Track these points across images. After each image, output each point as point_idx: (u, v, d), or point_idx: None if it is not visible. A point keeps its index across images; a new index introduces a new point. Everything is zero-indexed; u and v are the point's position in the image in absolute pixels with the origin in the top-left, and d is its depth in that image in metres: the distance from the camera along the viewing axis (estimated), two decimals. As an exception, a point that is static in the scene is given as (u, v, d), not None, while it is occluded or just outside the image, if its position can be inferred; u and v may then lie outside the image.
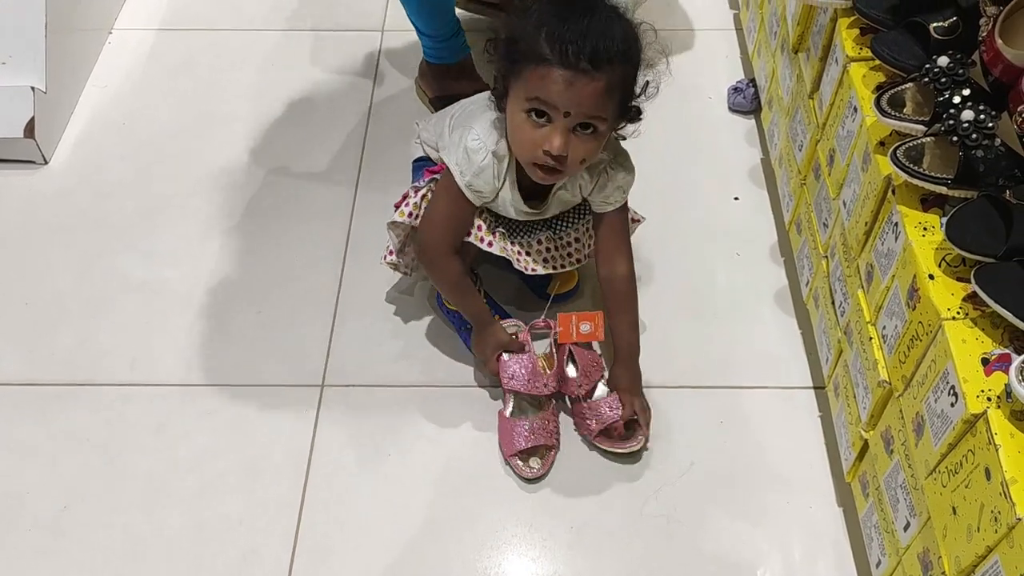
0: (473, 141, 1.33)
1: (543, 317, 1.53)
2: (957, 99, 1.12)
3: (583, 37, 1.19)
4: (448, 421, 1.50)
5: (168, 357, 1.58)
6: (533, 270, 1.47)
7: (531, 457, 1.43)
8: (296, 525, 1.38)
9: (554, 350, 1.47)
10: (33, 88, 1.84)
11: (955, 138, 1.08)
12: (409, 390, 1.54)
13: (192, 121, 1.97)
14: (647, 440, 1.44)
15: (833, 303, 1.39)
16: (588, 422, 1.44)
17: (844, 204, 1.34)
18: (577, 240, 1.50)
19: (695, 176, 1.87)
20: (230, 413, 1.51)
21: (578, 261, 1.52)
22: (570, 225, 1.49)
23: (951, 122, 1.09)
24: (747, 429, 1.48)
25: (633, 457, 1.44)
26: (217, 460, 1.46)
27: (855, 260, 1.29)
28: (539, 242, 1.47)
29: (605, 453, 1.45)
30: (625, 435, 1.44)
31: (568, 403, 1.50)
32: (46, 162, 1.88)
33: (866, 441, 1.24)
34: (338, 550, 1.36)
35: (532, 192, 1.39)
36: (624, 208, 1.46)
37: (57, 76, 1.90)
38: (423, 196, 1.43)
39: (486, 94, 1.38)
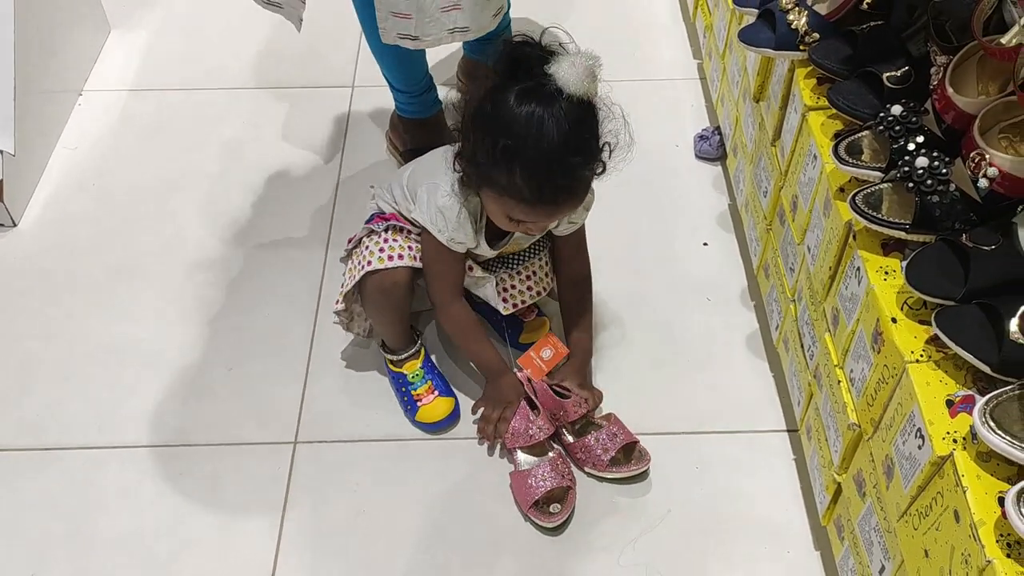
0: (443, 199, 1.35)
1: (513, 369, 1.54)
2: (912, 146, 1.14)
3: (556, 174, 1.23)
4: (425, 475, 1.49)
5: (137, 419, 1.57)
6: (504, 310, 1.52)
7: (551, 503, 1.42)
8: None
9: (534, 398, 1.48)
10: (1, 151, 1.84)
11: (911, 184, 1.10)
12: (385, 444, 1.53)
13: (162, 182, 1.97)
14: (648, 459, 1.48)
15: (802, 346, 1.41)
16: (596, 453, 1.46)
17: (808, 249, 1.36)
18: (534, 274, 1.54)
19: (665, 223, 1.89)
20: (201, 474, 1.50)
21: (537, 294, 1.55)
22: (527, 260, 1.53)
23: (906, 169, 1.12)
24: (723, 474, 1.49)
25: (643, 476, 1.47)
26: (188, 524, 1.44)
27: (821, 304, 1.31)
28: (500, 280, 1.50)
29: (615, 482, 1.46)
30: (630, 458, 1.47)
31: (564, 448, 1.50)
32: (15, 224, 1.88)
33: (839, 484, 1.24)
34: (313, 613, 1.34)
35: (496, 234, 1.43)
36: (583, 225, 1.52)
37: (26, 138, 1.91)
38: (376, 243, 1.45)
39: (442, 149, 1.41)
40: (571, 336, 1.55)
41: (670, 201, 1.93)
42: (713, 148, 1.98)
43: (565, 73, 1.19)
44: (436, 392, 1.55)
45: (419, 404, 1.54)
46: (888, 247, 1.17)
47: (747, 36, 1.44)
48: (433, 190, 1.36)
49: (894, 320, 1.08)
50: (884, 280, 1.13)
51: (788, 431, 1.54)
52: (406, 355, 1.56)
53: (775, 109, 1.52)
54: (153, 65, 2.25)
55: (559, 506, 1.42)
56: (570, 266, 1.55)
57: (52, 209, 1.92)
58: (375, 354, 1.64)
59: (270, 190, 1.95)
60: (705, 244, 1.84)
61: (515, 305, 1.52)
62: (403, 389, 1.56)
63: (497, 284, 1.50)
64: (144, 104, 2.16)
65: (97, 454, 1.52)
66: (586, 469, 1.48)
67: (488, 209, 1.34)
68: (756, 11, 1.51)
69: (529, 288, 1.54)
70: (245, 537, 1.42)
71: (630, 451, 1.48)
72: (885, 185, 1.16)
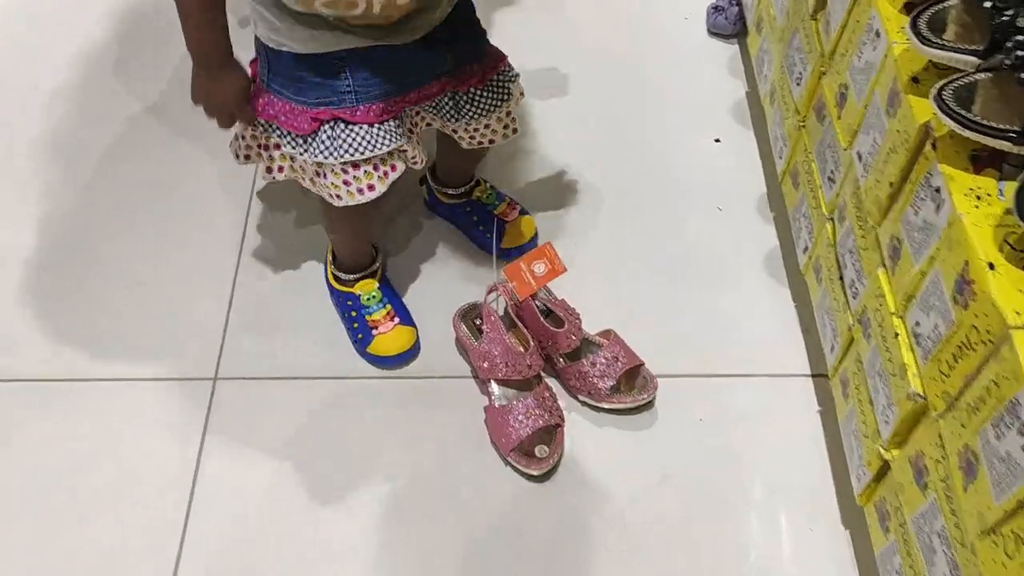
0: None
1: (496, 280, 1.25)
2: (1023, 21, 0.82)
3: None
4: (374, 420, 1.22)
5: (25, 346, 1.28)
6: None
7: (537, 445, 1.17)
8: (177, 556, 1.11)
9: (517, 319, 1.21)
10: None
11: (1023, 75, 0.79)
12: (319, 383, 1.26)
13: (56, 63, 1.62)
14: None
15: (841, 279, 1.12)
16: (592, 380, 1.21)
17: (859, 157, 1.05)
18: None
19: (668, 113, 1.57)
20: (102, 414, 1.22)
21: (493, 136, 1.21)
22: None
23: (1019, 53, 0.80)
24: (731, 428, 1.22)
25: (649, 406, 1.23)
26: (87, 474, 1.17)
27: (874, 230, 1.01)
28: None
29: (614, 413, 1.22)
30: (632, 384, 1.23)
31: (554, 373, 1.25)
32: None
33: (887, 462, 0.98)
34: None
35: None
36: None
37: None
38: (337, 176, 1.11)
39: None
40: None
41: (676, 86, 1.61)
42: (730, 22, 1.63)
43: None
44: (396, 319, 1.26)
45: (374, 333, 1.25)
46: (979, 161, 0.86)
47: None
48: None
49: (991, 266, 0.79)
50: (976, 207, 0.83)
51: (813, 376, 1.27)
52: (366, 272, 1.28)
53: (819, -31, 1.18)
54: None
55: (546, 449, 1.17)
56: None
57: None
58: (314, 271, 1.35)
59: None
60: (717, 140, 1.52)
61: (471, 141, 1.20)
62: (352, 314, 1.27)
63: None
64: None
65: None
66: (580, 397, 1.23)
67: None
68: None
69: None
70: (153, 493, 1.16)
71: (633, 376, 1.23)
72: (982, 76, 0.85)
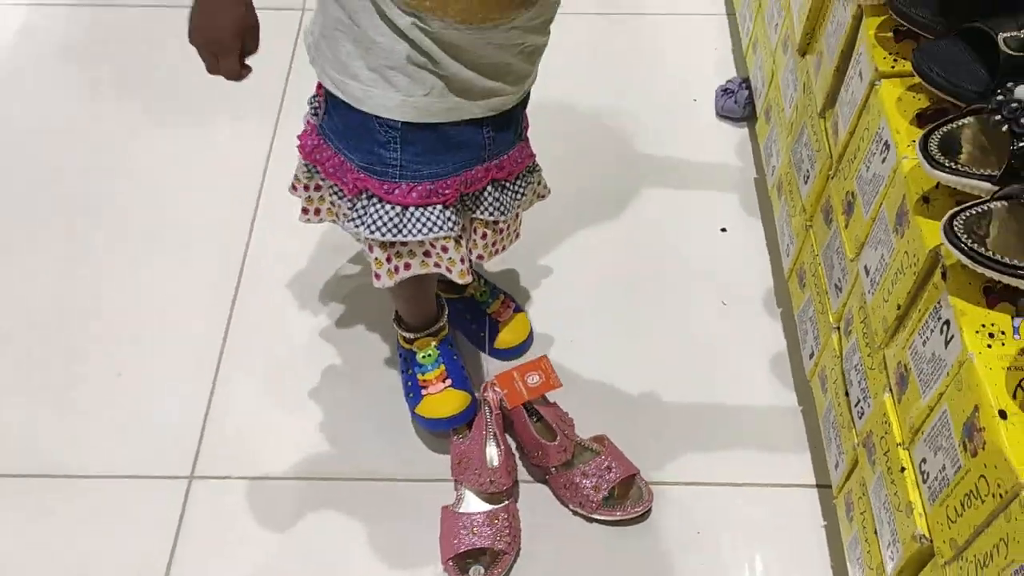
0: None
1: (489, 381, 1.20)
2: (1042, 148, 0.78)
3: None
4: (348, 523, 1.17)
5: (-5, 436, 1.24)
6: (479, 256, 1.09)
7: (473, 565, 1.12)
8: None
9: (498, 431, 1.17)
10: None
11: (1043, 210, 0.74)
12: (299, 484, 1.20)
13: (67, 118, 1.60)
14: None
15: (847, 395, 1.06)
16: (585, 491, 1.15)
17: (866, 271, 1.00)
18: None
19: (675, 199, 1.52)
20: (68, 512, 1.17)
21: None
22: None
23: (1036, 185, 0.75)
24: (731, 541, 1.16)
25: (644, 517, 1.16)
26: (58, 569, 1.12)
27: (880, 351, 0.96)
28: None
29: (606, 524, 1.16)
30: (627, 495, 1.17)
31: (545, 481, 1.20)
32: None
33: (892, 602, 0.91)
34: None
35: None
36: None
37: None
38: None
39: None
40: None
41: (683, 170, 1.56)
42: (739, 106, 1.59)
43: None
44: (448, 381, 1.20)
45: (423, 392, 1.20)
46: (994, 294, 0.81)
47: (801, -31, 1.05)
48: None
49: (1003, 414, 0.73)
50: (988, 347, 0.78)
51: (818, 486, 1.20)
52: (425, 332, 1.21)
53: (829, 69, 1.14)
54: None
55: (481, 570, 1.11)
56: None
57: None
58: (301, 360, 1.30)
59: (195, 129, 1.58)
60: (723, 230, 1.48)
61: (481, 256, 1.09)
62: (409, 371, 1.23)
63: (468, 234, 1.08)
64: (49, 22, 1.77)
65: (-64, 482, 1.20)
66: (571, 507, 1.17)
67: None
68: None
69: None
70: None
71: (627, 486, 1.18)
72: (998, 205, 0.80)
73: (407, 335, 1.22)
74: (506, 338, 1.29)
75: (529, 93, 1.03)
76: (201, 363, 1.31)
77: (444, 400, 1.19)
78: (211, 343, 1.33)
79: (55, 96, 1.65)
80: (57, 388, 1.29)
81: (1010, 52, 0.85)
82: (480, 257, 1.08)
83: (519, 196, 1.08)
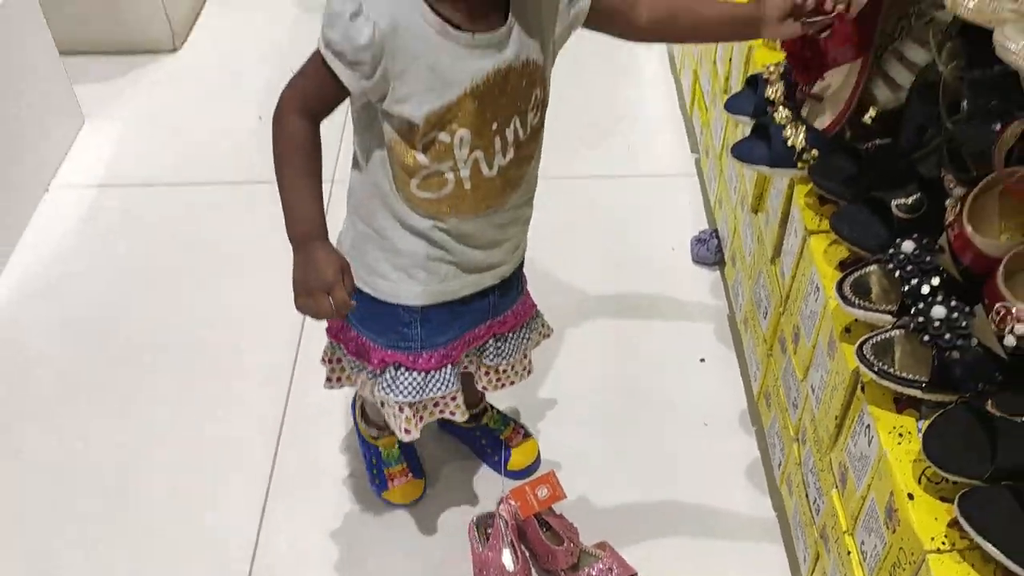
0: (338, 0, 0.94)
1: (504, 495, 1.40)
2: (926, 288, 1.01)
3: None
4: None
5: (71, 551, 1.42)
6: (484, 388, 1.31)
7: None
8: None
9: (514, 539, 1.35)
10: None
11: (927, 337, 0.96)
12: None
13: (125, 287, 1.85)
14: None
15: (807, 496, 1.25)
16: None
17: (812, 389, 1.22)
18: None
19: (659, 334, 1.75)
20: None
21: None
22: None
23: (921, 319, 0.98)
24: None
25: None
26: None
27: (827, 454, 1.16)
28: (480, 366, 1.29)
29: None
30: None
31: None
32: (-37, 331, 1.76)
33: (852, 670, 1.08)
34: None
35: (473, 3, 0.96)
36: None
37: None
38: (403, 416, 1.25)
39: None
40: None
41: (665, 309, 1.80)
42: (711, 253, 1.85)
43: None
44: (409, 475, 1.47)
45: (390, 484, 1.46)
46: (902, 403, 1.03)
47: (741, 152, 1.32)
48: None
49: (910, 496, 0.93)
50: (898, 444, 0.99)
51: (794, 583, 1.38)
52: (389, 432, 1.42)
53: (774, 225, 1.39)
54: (123, 159, 2.15)
55: None
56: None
57: (6, 312, 1.80)
58: (351, 487, 1.50)
59: (233, 287, 1.83)
60: (702, 360, 1.70)
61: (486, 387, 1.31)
62: (374, 461, 1.47)
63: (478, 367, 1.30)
64: (112, 201, 2.05)
65: None
66: None
67: None
68: (749, 119, 1.39)
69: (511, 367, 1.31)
70: None
71: None
72: (897, 333, 1.02)
73: (370, 431, 1.45)
74: (518, 460, 1.49)
75: (524, 255, 1.27)
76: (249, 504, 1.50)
77: (407, 489, 1.46)
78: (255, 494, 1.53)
79: (116, 265, 1.91)
80: (114, 515, 1.48)
81: (901, 215, 1.10)
82: (485, 389, 1.31)
83: (523, 342, 1.30)
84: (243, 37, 2.53)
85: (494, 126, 1.02)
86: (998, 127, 0.96)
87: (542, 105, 1.07)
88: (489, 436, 1.50)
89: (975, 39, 0.91)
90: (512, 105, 1.02)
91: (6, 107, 1.91)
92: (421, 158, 1.02)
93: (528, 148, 1.08)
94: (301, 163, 1.02)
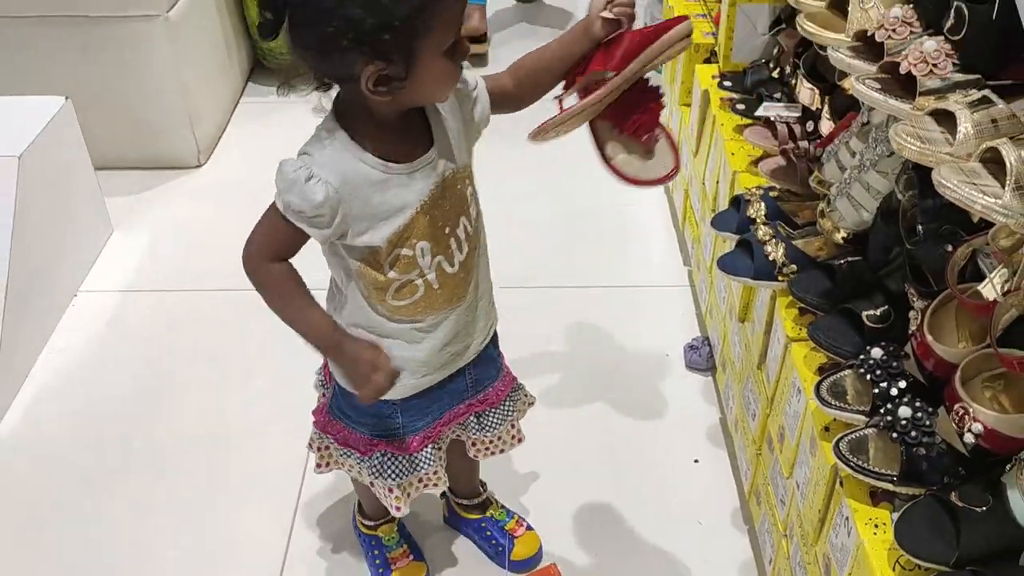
0: (290, 168, 1.09)
1: None
2: (894, 391, 1.12)
3: None
4: None
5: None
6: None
7: None
8: None
9: None
10: (-16, 357, 1.83)
11: (895, 434, 1.06)
12: None
13: (147, 389, 1.95)
14: None
15: (796, 589, 1.33)
16: None
17: (798, 485, 1.31)
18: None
19: (654, 437, 1.84)
20: None
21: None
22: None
23: (889, 418, 1.08)
24: None
25: None
26: None
27: (813, 547, 1.24)
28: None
29: None
30: None
31: None
32: (-8, 431, 1.85)
33: None
34: None
35: (403, 138, 1.11)
36: None
37: (13, 339, 1.90)
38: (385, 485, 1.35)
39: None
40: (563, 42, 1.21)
41: (661, 413, 1.89)
42: (703, 359, 1.96)
43: None
44: (411, 556, 1.55)
45: (392, 568, 1.53)
46: (877, 496, 1.12)
47: (726, 265, 1.45)
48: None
49: (886, 582, 1.02)
50: (874, 534, 1.07)
51: (787, 678, 1.43)
52: (385, 520, 1.53)
53: (759, 333, 1.50)
54: (148, 267, 2.28)
55: None
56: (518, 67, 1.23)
57: (33, 412, 1.89)
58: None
59: (253, 395, 1.93)
60: (696, 461, 1.79)
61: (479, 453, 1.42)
62: (375, 551, 1.54)
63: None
64: (137, 307, 2.16)
65: None
66: None
67: (432, 78, 1.05)
68: (734, 235, 1.53)
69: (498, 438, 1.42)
70: None
71: None
72: (870, 431, 1.13)
73: (368, 523, 1.53)
74: (520, 551, 1.56)
75: (496, 333, 1.36)
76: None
77: (411, 571, 1.53)
78: None
79: (139, 368, 2.02)
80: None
81: (871, 325, 1.22)
82: (476, 456, 1.42)
83: (507, 415, 1.40)
84: (263, 153, 2.69)
85: (447, 230, 1.16)
86: (950, 248, 1.08)
87: (475, 197, 1.21)
88: (495, 527, 1.58)
89: (925, 174, 1.05)
90: (457, 207, 1.17)
91: (44, 218, 2.05)
92: (391, 274, 1.16)
93: (477, 238, 1.22)
94: (294, 290, 1.16)
